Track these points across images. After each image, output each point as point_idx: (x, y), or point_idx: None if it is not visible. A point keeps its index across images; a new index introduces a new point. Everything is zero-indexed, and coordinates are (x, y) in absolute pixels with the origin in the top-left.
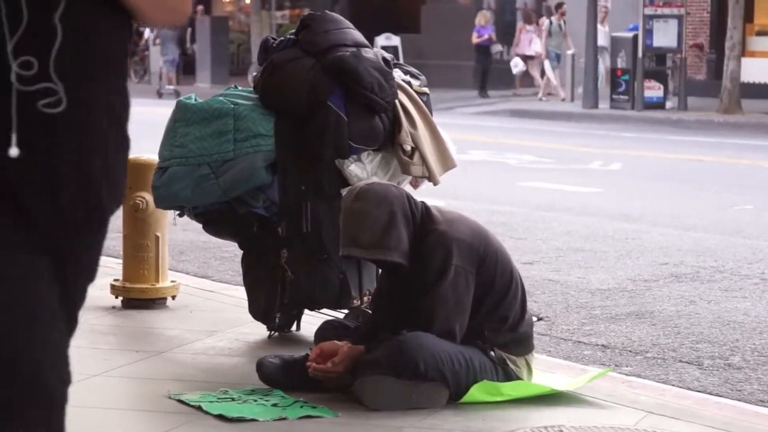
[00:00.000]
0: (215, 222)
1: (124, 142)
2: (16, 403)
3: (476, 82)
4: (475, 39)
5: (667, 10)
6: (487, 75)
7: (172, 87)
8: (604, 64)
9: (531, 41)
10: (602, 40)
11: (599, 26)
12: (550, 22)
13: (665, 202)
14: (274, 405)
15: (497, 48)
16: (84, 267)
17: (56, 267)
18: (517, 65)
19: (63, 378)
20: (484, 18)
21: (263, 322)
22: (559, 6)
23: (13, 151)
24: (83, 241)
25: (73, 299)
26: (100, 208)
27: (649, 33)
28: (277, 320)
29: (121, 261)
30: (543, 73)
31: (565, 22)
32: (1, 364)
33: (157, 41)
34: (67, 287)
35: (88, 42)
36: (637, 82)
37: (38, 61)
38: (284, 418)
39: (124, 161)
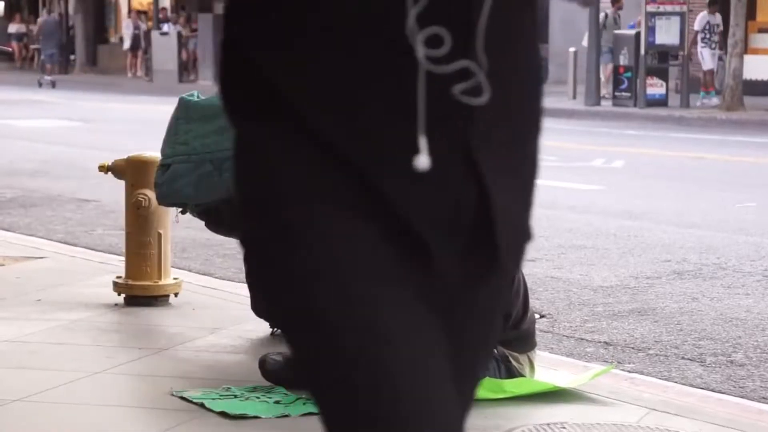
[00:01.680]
0: (218, 219)
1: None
2: None
3: None
4: None
5: (669, 8)
6: None
7: (49, 78)
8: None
9: None
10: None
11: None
12: (606, 15)
13: (668, 200)
14: (277, 402)
15: None
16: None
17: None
18: None
19: None
20: None
21: (266, 319)
22: None
23: (423, 161)
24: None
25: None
26: (496, 257)
27: (651, 30)
28: None
29: (123, 258)
30: None
31: (620, 15)
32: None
33: (41, 37)
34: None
35: (514, 12)
36: (640, 80)
37: (451, 33)
38: (287, 416)
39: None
